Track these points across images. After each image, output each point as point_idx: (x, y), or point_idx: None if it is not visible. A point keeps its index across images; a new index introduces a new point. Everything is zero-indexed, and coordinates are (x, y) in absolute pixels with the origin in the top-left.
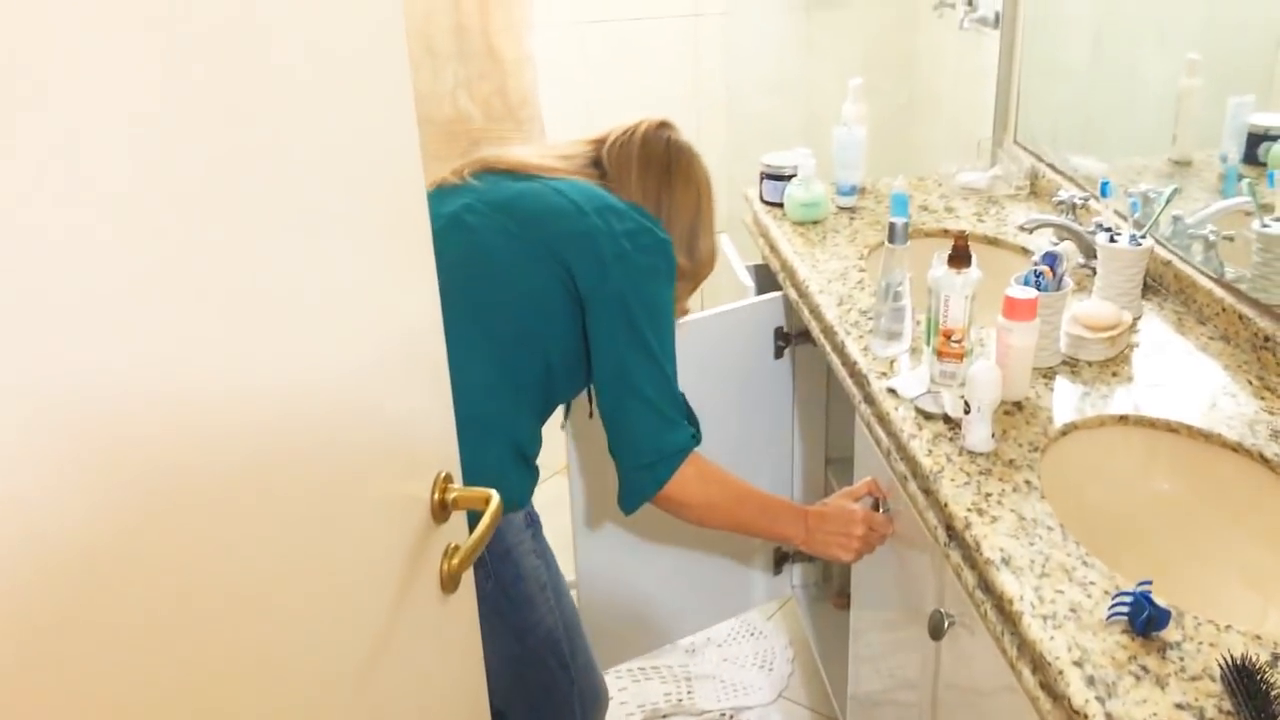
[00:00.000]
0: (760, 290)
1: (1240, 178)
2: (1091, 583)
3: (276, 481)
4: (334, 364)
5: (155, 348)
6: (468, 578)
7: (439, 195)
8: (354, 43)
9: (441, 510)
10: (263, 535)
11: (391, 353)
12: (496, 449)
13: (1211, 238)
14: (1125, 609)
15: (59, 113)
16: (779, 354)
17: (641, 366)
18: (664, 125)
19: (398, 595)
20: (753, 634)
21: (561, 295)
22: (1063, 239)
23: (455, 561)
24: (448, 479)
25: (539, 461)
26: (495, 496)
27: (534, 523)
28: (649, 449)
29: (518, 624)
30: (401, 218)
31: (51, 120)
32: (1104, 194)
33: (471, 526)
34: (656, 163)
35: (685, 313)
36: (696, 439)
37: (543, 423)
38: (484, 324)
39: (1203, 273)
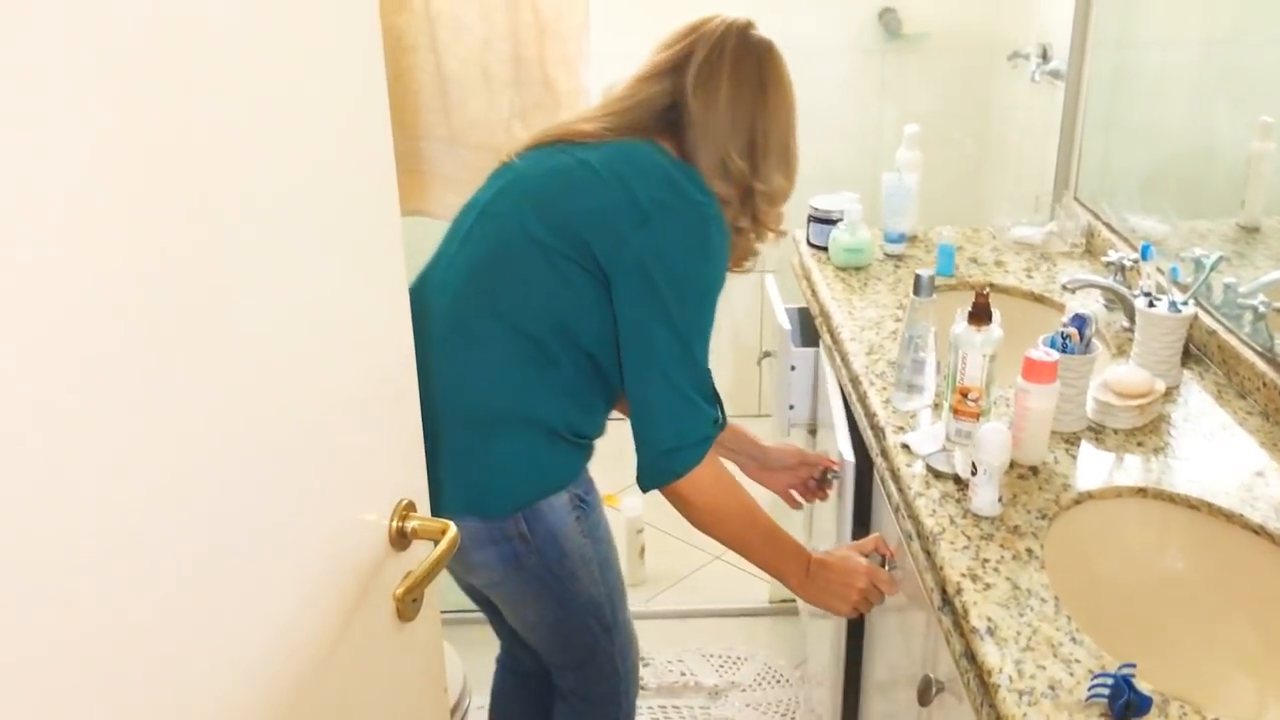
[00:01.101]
0: (801, 333)
1: None
2: (1076, 660)
3: (227, 492)
4: (295, 389)
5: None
6: (430, 608)
7: (491, 177)
8: (332, 87)
9: (401, 538)
10: (211, 543)
11: (356, 379)
12: (526, 436)
13: (1261, 309)
14: (1104, 691)
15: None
16: None
17: (664, 341)
18: (749, 27)
19: (346, 619)
20: (778, 681)
21: (587, 282)
22: (1108, 300)
23: (401, 590)
24: (409, 507)
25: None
26: (452, 529)
27: (583, 504)
28: (669, 434)
29: (562, 594)
30: (373, 247)
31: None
32: (1144, 257)
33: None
34: (749, 83)
35: (783, 234)
36: (720, 424)
37: (607, 404)
38: (508, 320)
39: (1248, 345)
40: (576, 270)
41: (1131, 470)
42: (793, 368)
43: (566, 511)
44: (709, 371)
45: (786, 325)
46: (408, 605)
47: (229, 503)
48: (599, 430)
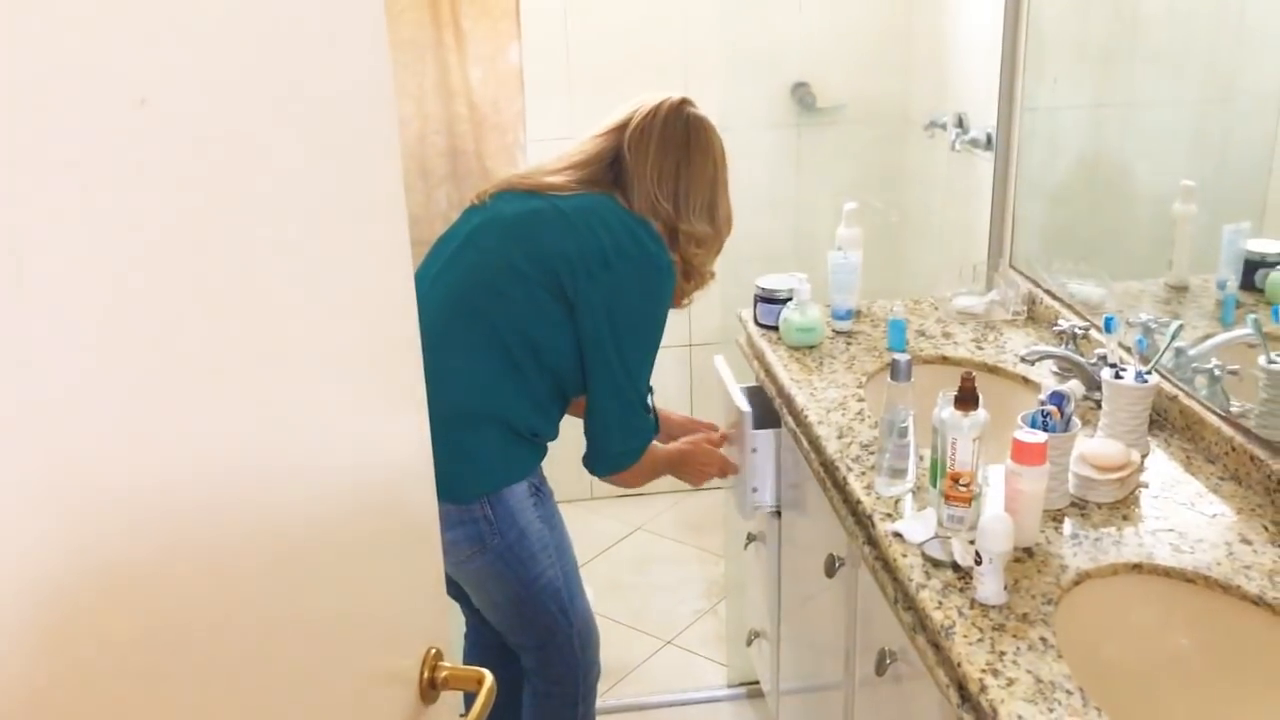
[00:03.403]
0: (757, 414)
1: (1238, 305)
2: None
3: (250, 654)
4: (315, 526)
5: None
6: None
7: (465, 215)
8: (349, 182)
9: (430, 689)
10: (235, 712)
11: (380, 519)
12: (492, 433)
13: (1217, 372)
14: None
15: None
16: None
17: (617, 366)
18: (684, 103)
19: None
20: None
21: (556, 308)
22: (1064, 369)
23: None
24: (438, 656)
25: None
26: (488, 677)
27: (538, 492)
28: (619, 440)
29: (522, 574)
30: (396, 381)
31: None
32: (1108, 329)
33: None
34: (675, 141)
35: (712, 277)
36: (655, 429)
37: (560, 411)
38: (488, 335)
39: (1209, 408)
40: (547, 297)
41: (1122, 545)
42: (754, 450)
43: (525, 498)
44: (650, 389)
45: (745, 407)
46: None
47: (251, 657)
48: (554, 433)
